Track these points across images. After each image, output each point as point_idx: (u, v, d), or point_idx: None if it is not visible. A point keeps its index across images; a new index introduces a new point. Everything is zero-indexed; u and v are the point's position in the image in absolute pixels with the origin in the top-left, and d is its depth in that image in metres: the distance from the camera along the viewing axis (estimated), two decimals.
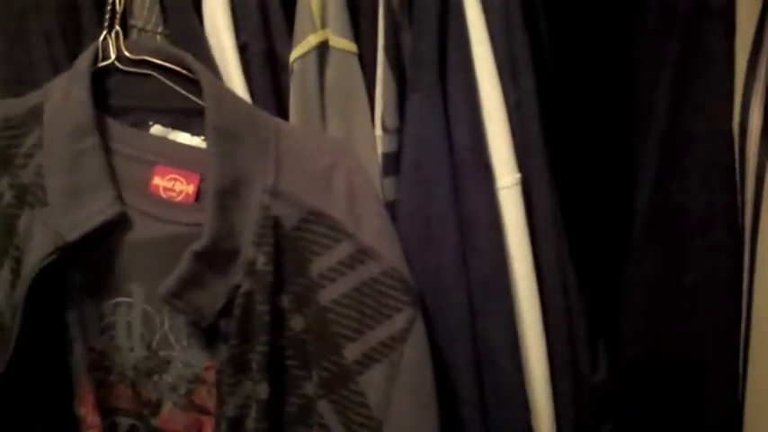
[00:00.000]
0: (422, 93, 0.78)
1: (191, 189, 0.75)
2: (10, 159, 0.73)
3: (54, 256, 0.69)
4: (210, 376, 0.74)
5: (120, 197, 0.73)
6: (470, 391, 0.77)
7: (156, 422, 0.74)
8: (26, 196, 0.72)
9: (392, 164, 0.79)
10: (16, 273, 0.69)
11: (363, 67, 0.81)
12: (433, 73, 0.78)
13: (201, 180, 0.76)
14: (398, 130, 0.79)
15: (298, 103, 0.79)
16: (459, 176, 0.78)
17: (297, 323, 0.75)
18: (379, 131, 0.80)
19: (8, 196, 0.72)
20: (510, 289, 0.78)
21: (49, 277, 0.70)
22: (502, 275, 0.78)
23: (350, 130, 0.79)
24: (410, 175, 0.78)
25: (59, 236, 0.70)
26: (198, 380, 0.75)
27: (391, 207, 0.79)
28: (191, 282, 0.72)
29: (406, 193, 0.78)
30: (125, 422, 0.74)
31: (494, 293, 0.78)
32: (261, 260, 0.73)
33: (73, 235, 0.70)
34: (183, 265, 0.71)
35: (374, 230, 0.76)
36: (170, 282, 0.71)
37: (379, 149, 0.80)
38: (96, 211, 0.72)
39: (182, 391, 0.75)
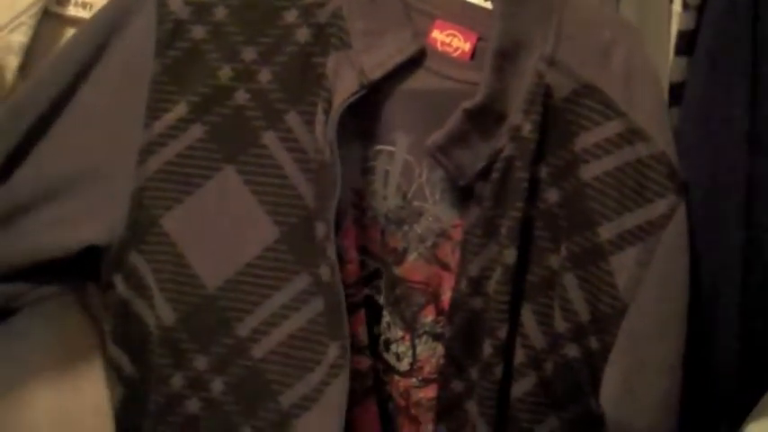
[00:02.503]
0: None
1: (467, 47, 0.76)
2: None
3: (359, 95, 0.72)
4: (457, 234, 0.76)
5: (415, 36, 0.74)
6: (731, 290, 0.75)
7: (398, 271, 0.76)
8: (327, 38, 0.74)
9: (687, 43, 0.77)
10: (327, 112, 0.72)
11: None
12: None
13: (479, 39, 0.76)
14: (699, 9, 0.76)
15: None
16: (758, 66, 0.74)
17: (552, 195, 0.75)
18: (678, 7, 0.77)
19: (305, 34, 0.74)
20: None
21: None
22: None
23: (644, 1, 0.77)
24: (706, 57, 0.75)
25: (363, 74, 0.72)
26: (444, 235, 0.76)
27: (678, 87, 0.76)
28: (457, 139, 0.73)
29: (698, 75, 0.76)
30: (372, 264, 0.77)
31: None
32: (527, 127, 0.73)
33: (376, 74, 0.72)
34: (453, 121, 0.73)
35: (647, 113, 0.74)
36: (438, 136, 0.72)
37: (675, 26, 0.77)
38: (396, 49, 0.74)
39: (428, 244, 0.76)
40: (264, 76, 0.74)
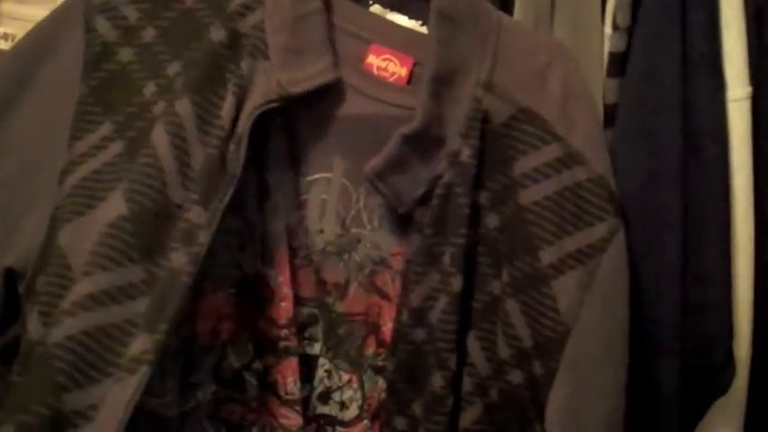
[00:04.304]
0: None
1: (403, 71, 0.75)
2: (222, 4, 0.73)
3: (275, 104, 0.70)
4: (397, 263, 0.74)
5: (335, 65, 0.73)
6: (669, 308, 0.76)
7: (340, 307, 0.74)
8: (242, 46, 0.72)
9: (618, 64, 0.78)
10: (239, 110, 0.70)
11: None
12: None
13: (415, 64, 0.75)
14: (629, 30, 0.77)
15: None
16: (688, 83, 0.76)
17: (491, 221, 0.74)
18: (608, 29, 0.78)
19: (220, 35, 0.72)
20: (728, 204, 0.77)
21: (260, 134, 0.70)
22: (722, 188, 0.77)
23: (577, 24, 0.78)
24: (638, 76, 0.76)
25: (282, 87, 0.70)
26: (383, 263, 0.74)
27: (611, 109, 0.77)
28: (396, 165, 0.71)
29: (631, 95, 0.76)
30: (304, 311, 0.74)
31: (712, 207, 0.76)
32: (465, 153, 0.72)
33: (295, 90, 0.71)
34: (390, 147, 0.71)
35: (584, 136, 0.74)
36: (377, 162, 0.71)
37: (606, 48, 0.78)
38: (316, 72, 0.72)
39: (366, 272, 0.74)
40: (180, 80, 0.72)
